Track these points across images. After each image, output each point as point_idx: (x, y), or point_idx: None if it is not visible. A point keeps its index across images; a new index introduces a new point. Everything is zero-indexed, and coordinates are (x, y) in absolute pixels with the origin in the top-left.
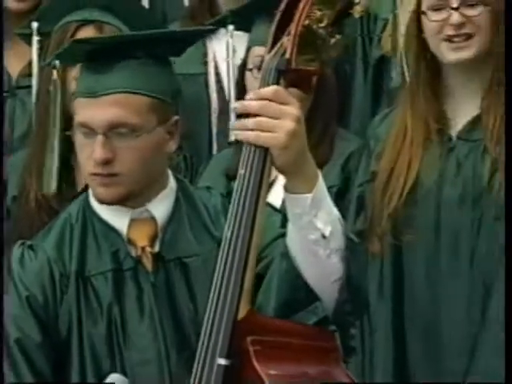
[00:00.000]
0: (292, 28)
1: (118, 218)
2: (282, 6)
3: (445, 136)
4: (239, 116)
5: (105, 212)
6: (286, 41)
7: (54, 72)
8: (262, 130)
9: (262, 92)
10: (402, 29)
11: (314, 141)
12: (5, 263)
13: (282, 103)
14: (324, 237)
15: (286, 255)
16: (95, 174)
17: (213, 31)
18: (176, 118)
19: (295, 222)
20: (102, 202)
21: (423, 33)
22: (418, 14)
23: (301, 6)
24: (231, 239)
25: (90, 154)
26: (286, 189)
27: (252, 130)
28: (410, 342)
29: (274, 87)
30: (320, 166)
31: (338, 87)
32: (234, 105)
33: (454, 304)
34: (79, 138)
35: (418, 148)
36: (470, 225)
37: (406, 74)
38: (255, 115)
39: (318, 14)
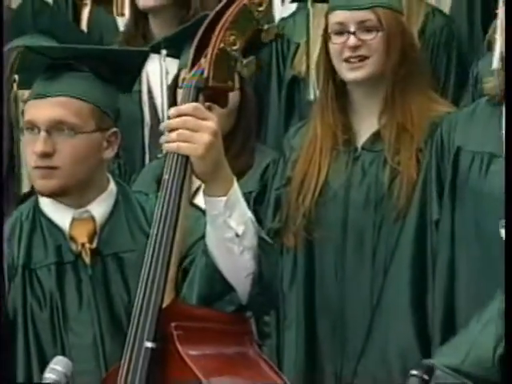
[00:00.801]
0: (209, 51)
1: (61, 217)
2: (200, 31)
3: (351, 146)
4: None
5: (50, 211)
6: (204, 62)
7: (15, 85)
8: (183, 141)
9: (183, 108)
10: (314, 52)
11: (235, 152)
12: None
13: (200, 118)
14: (237, 235)
15: (205, 252)
16: (36, 168)
17: (148, 53)
18: (115, 129)
19: (212, 222)
20: (41, 194)
21: (330, 54)
22: (325, 38)
23: (216, 31)
24: (157, 236)
25: (33, 148)
26: (205, 192)
27: (174, 141)
28: (319, 327)
29: (193, 104)
30: (242, 174)
31: (257, 104)
32: (162, 125)
33: (357, 294)
34: (26, 136)
35: (326, 156)
36: (372, 226)
37: (317, 91)
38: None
39: (232, 38)
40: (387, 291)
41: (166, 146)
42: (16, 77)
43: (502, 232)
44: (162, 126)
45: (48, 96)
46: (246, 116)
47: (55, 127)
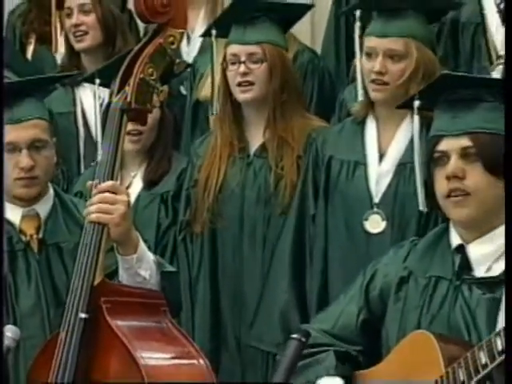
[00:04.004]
0: (131, 80)
1: (12, 215)
2: (125, 63)
3: (245, 153)
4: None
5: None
6: (128, 89)
7: None
8: (103, 213)
9: (102, 186)
10: (216, 78)
11: (157, 159)
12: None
13: (116, 193)
14: (145, 279)
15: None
16: (19, 179)
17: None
18: (55, 139)
19: (125, 270)
20: (22, 200)
21: (227, 80)
22: (223, 66)
23: (137, 64)
24: (89, 230)
25: (14, 164)
26: (118, 252)
27: (96, 213)
28: (222, 300)
29: (110, 182)
30: (162, 176)
31: (174, 122)
32: (86, 210)
33: (251, 273)
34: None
35: (224, 161)
36: (263, 218)
37: (216, 110)
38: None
39: (150, 70)
40: (273, 271)
41: (89, 217)
42: None
43: (366, 224)
44: (87, 204)
45: (23, 120)
46: (165, 130)
47: (33, 145)
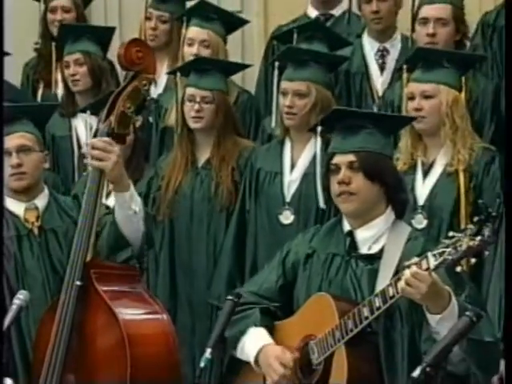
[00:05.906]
0: (114, 112)
1: (18, 208)
2: (110, 100)
3: (195, 165)
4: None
5: (10, 206)
6: (112, 118)
7: None
8: (100, 160)
9: (99, 140)
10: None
11: (132, 170)
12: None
13: (110, 146)
14: (135, 212)
15: (114, 223)
16: (12, 175)
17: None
18: (46, 152)
19: (120, 206)
20: (15, 190)
21: (184, 112)
22: (182, 101)
23: (119, 101)
24: (83, 216)
25: (8, 164)
26: (115, 190)
27: (93, 159)
28: (177, 272)
29: (106, 138)
30: (136, 181)
31: (146, 142)
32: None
33: (198, 252)
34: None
35: (180, 171)
36: (207, 213)
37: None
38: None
39: (128, 105)
40: (224, 249)
41: (90, 163)
42: None
43: (280, 217)
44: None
45: (13, 132)
46: (138, 148)
47: (20, 149)
